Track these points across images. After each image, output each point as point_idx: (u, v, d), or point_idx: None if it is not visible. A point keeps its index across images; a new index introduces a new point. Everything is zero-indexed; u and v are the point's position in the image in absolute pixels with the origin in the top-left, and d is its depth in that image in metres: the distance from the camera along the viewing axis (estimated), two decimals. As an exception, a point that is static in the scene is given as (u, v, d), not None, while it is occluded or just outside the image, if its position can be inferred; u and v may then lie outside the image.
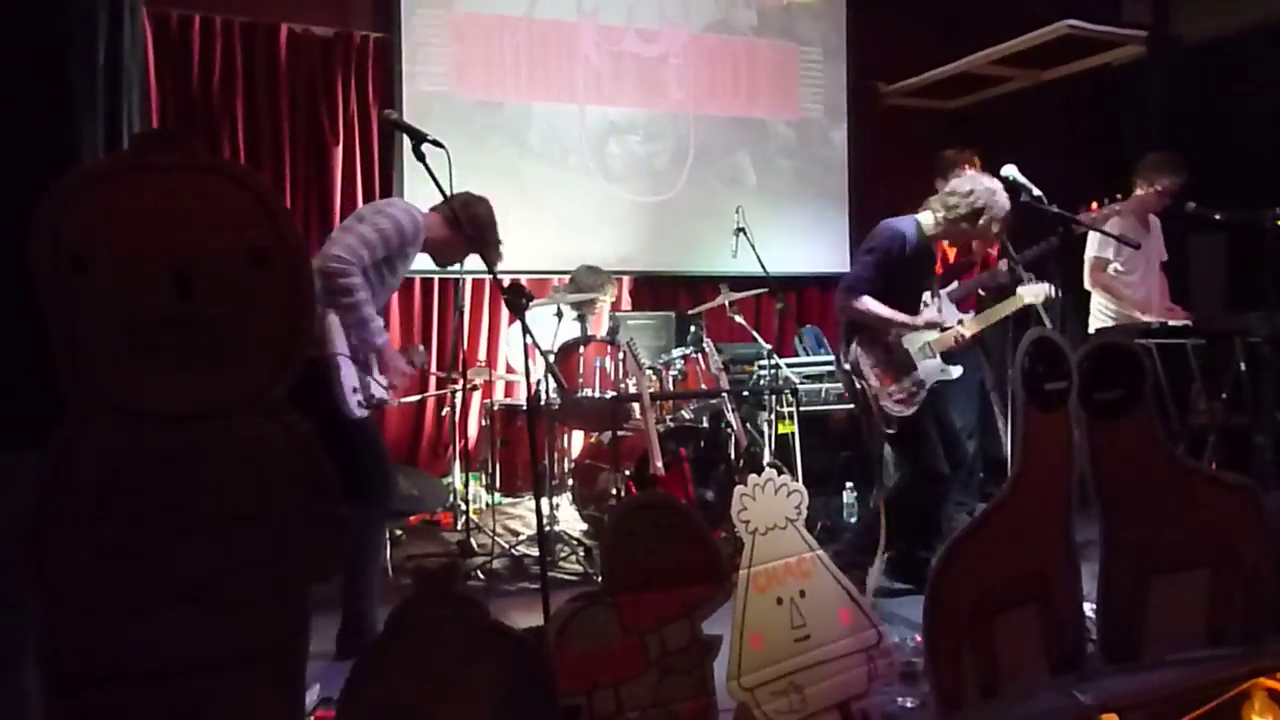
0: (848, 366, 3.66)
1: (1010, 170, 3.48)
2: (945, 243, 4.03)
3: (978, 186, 3.58)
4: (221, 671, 1.66)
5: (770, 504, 2.41)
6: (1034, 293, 3.59)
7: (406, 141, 3.88)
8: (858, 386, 3.63)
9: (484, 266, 2.73)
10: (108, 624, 1.62)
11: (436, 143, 2.54)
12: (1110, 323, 4.70)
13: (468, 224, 3.03)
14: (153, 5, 4.77)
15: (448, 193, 2.60)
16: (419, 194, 3.22)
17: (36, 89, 2.15)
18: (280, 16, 5.26)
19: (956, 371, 3.72)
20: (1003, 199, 3.56)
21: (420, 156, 2.51)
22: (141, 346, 1.63)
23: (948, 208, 3.59)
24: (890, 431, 3.60)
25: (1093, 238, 4.54)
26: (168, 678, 1.64)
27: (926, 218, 3.66)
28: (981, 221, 3.56)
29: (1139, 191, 4.63)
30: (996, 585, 2.51)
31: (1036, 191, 3.41)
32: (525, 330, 2.37)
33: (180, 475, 1.63)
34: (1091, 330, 4.76)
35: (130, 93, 2.90)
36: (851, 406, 5.02)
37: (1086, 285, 4.72)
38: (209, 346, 1.65)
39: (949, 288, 4.31)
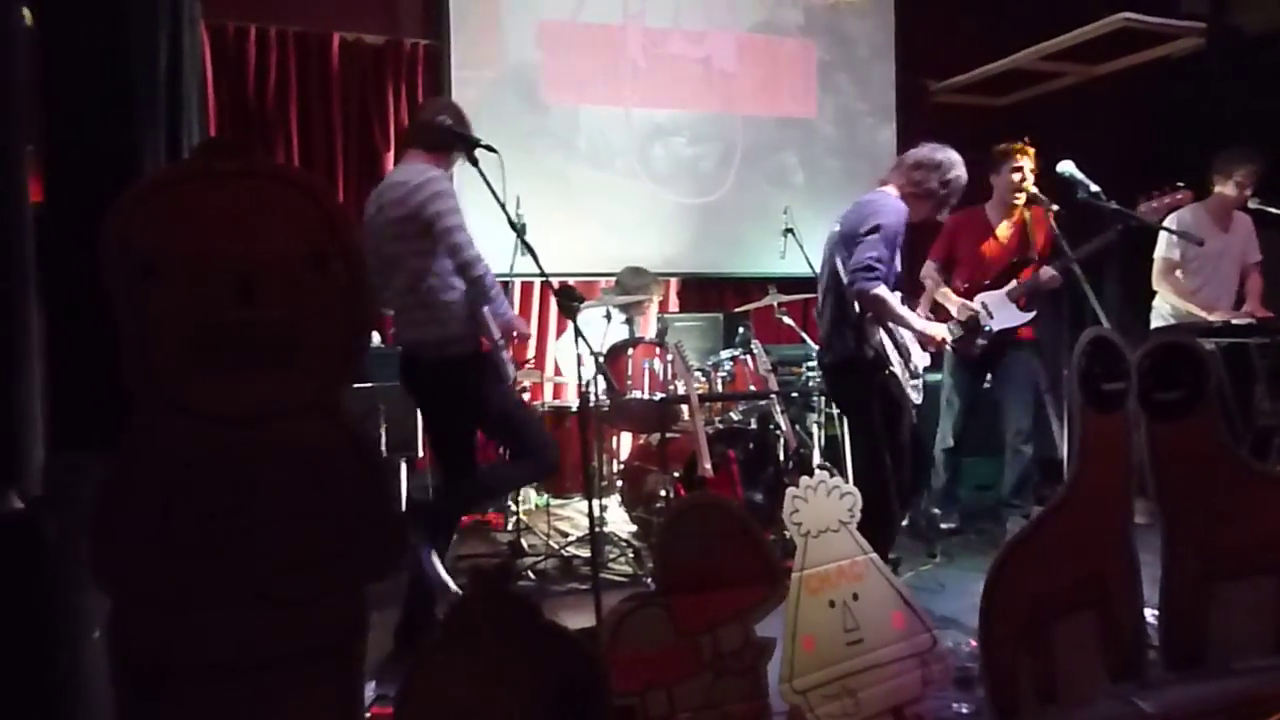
0: (871, 354, 3.37)
1: (1067, 166, 3.42)
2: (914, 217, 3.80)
3: (948, 158, 3.38)
4: (283, 668, 1.69)
5: (823, 506, 2.40)
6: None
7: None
8: (885, 374, 3.38)
9: (535, 270, 2.75)
10: (172, 619, 1.66)
11: (490, 148, 2.57)
12: (1170, 323, 4.60)
13: (443, 139, 3.01)
14: (211, 16, 4.87)
15: (502, 199, 2.64)
16: (468, 198, 3.26)
17: (100, 100, 2.20)
18: (333, 26, 5.35)
19: (926, 359, 3.61)
20: (964, 173, 3.40)
21: (474, 161, 2.55)
22: (205, 349, 1.66)
23: (914, 183, 3.38)
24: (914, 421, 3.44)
25: (1163, 235, 4.44)
26: (231, 673, 1.67)
27: (893, 192, 3.45)
28: (952, 198, 3.39)
29: (1217, 189, 4.52)
30: (1053, 590, 2.47)
31: (1094, 188, 3.35)
32: (577, 332, 2.39)
33: (243, 475, 1.67)
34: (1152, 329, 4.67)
35: (189, 102, 2.97)
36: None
37: (1154, 285, 4.62)
38: (270, 349, 1.68)
39: (1007, 286, 4.25)
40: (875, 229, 3.30)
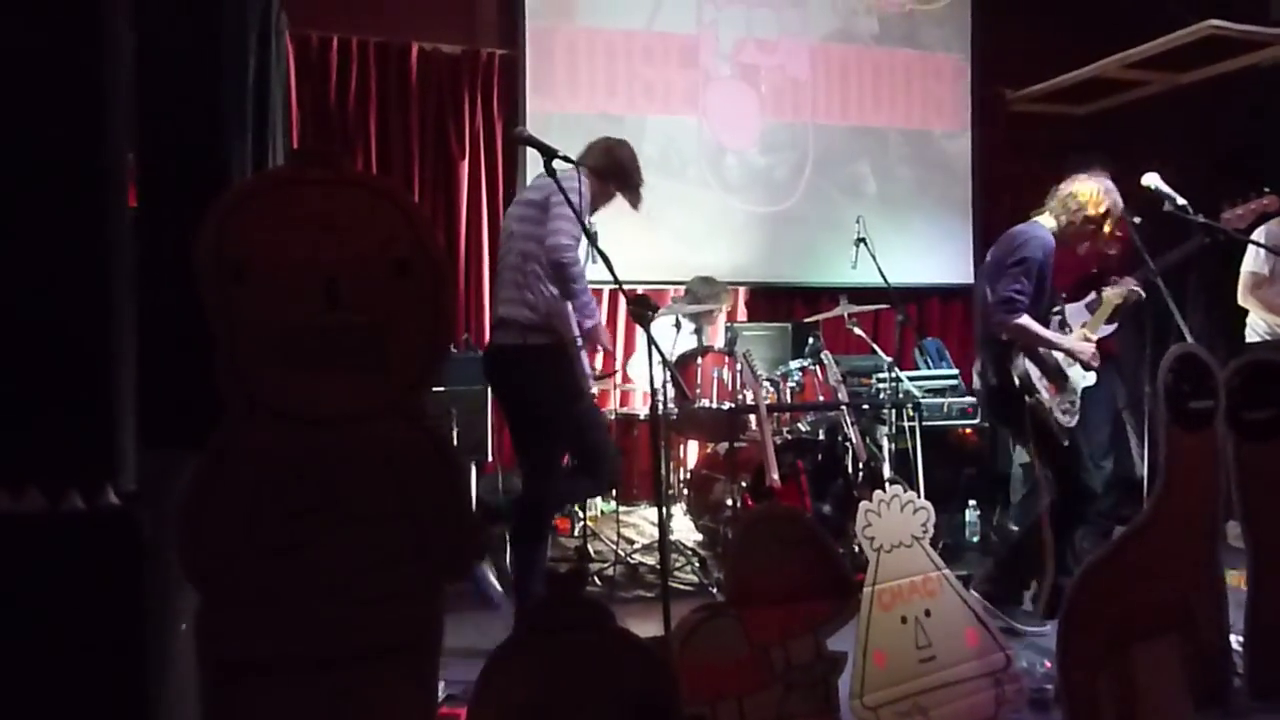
0: (1017, 382, 3.45)
1: (1152, 179, 3.34)
2: (1078, 249, 3.85)
3: (1101, 185, 3.43)
4: (360, 664, 1.72)
5: (896, 521, 2.38)
6: (1117, 293, 3.58)
7: (530, 156, 3.95)
8: (1029, 402, 3.43)
9: (606, 277, 2.78)
10: (255, 614, 1.70)
11: (567, 159, 2.60)
12: (1265, 339, 4.43)
13: (614, 170, 3.27)
14: (295, 27, 5.00)
15: (580, 210, 2.67)
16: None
17: (192, 108, 2.27)
18: (412, 36, 5.46)
19: (1093, 377, 3.59)
20: (1119, 198, 3.43)
21: (551, 172, 2.58)
22: (292, 352, 1.71)
23: (1071, 210, 3.44)
24: (1066, 444, 3.43)
25: (1250, 250, 4.29)
26: (310, 668, 1.71)
27: (1049, 222, 3.52)
28: (1108, 226, 3.42)
29: None
30: (1135, 612, 2.40)
31: (1181, 201, 3.26)
32: (650, 341, 2.40)
33: (326, 476, 1.71)
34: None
35: (275, 110, 3.06)
36: (972, 423, 4.91)
37: (1240, 301, 4.46)
38: (355, 353, 1.72)
39: (1086, 298, 4.15)
40: (1019, 262, 3.40)
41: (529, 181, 5.40)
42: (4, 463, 1.60)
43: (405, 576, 1.73)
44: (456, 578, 1.80)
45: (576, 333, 3.13)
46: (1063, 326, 4.12)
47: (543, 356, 3.08)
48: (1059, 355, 3.49)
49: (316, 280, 1.71)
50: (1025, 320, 3.36)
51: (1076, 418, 3.45)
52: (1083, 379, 3.53)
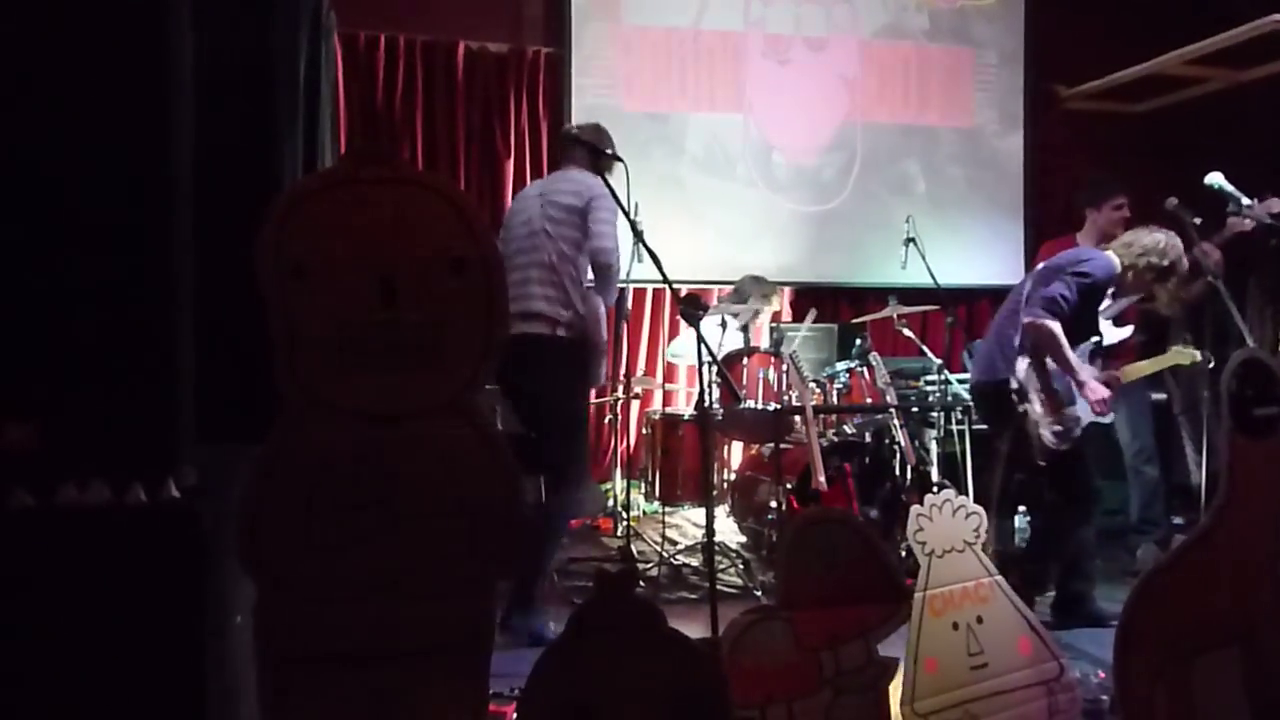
0: (1014, 385, 3.42)
1: (1216, 178, 3.27)
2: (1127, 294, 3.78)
3: (1170, 241, 3.37)
4: (414, 660, 1.73)
5: (948, 526, 2.34)
6: (1187, 355, 3.53)
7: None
8: (1020, 409, 3.39)
9: (650, 276, 2.79)
10: (311, 609, 1.72)
11: (616, 157, 2.60)
12: None
13: (603, 154, 3.23)
14: (343, 26, 5.05)
15: (626, 207, 2.67)
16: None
17: (245, 108, 2.30)
18: (459, 35, 5.50)
19: (1110, 418, 3.56)
20: (1184, 256, 3.39)
21: (599, 171, 2.59)
22: (349, 349, 1.72)
23: (1136, 258, 3.37)
24: (1041, 464, 3.40)
25: None
26: (364, 663, 1.72)
27: (1115, 258, 3.44)
28: (1171, 282, 3.36)
29: None
30: (1195, 624, 2.35)
31: (1246, 201, 3.19)
32: (701, 341, 2.39)
33: (382, 472, 1.72)
34: None
35: (324, 109, 3.09)
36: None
37: None
38: (411, 350, 1.73)
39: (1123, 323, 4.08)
40: (1083, 275, 3.33)
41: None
42: (71, 457, 1.64)
43: (458, 574, 1.73)
44: (507, 576, 1.79)
45: (606, 336, 3.27)
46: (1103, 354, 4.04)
47: (571, 351, 3.20)
48: (1073, 385, 3.42)
49: (373, 278, 1.72)
50: (1057, 328, 3.28)
51: (1068, 445, 3.36)
52: (1089, 415, 3.45)
